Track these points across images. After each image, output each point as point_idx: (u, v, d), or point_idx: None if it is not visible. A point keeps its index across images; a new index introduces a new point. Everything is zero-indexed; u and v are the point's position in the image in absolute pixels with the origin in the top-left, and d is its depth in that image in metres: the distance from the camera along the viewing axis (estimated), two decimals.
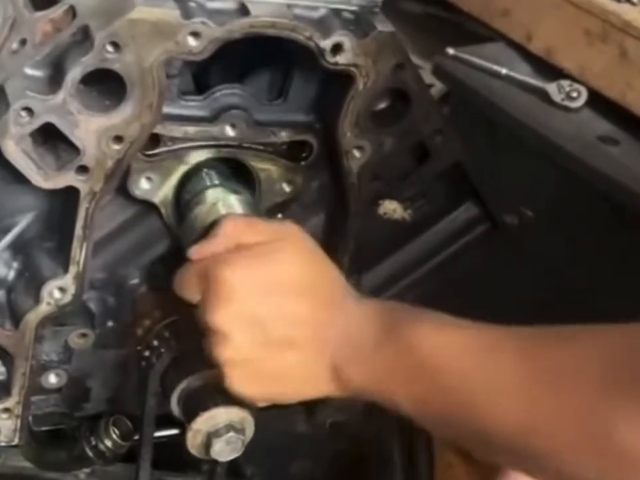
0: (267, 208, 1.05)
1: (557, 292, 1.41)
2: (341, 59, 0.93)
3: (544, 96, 1.43)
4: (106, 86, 0.88)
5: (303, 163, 1.04)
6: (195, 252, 0.90)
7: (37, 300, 0.97)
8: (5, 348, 0.99)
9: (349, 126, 0.98)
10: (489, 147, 1.45)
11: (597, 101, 1.40)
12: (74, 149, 0.89)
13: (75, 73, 0.85)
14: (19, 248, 0.98)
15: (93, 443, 1.12)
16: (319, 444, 1.43)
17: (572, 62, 1.42)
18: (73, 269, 0.96)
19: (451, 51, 1.51)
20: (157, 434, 1.05)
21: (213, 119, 0.98)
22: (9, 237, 0.98)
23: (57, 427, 1.12)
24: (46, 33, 0.87)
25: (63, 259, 0.96)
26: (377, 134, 1.00)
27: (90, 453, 1.12)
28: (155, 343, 1.03)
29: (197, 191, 0.99)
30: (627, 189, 1.28)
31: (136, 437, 1.09)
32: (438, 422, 0.82)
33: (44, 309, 0.97)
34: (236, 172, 1.03)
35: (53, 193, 0.93)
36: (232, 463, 1.08)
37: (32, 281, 0.98)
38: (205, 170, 1.00)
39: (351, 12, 0.95)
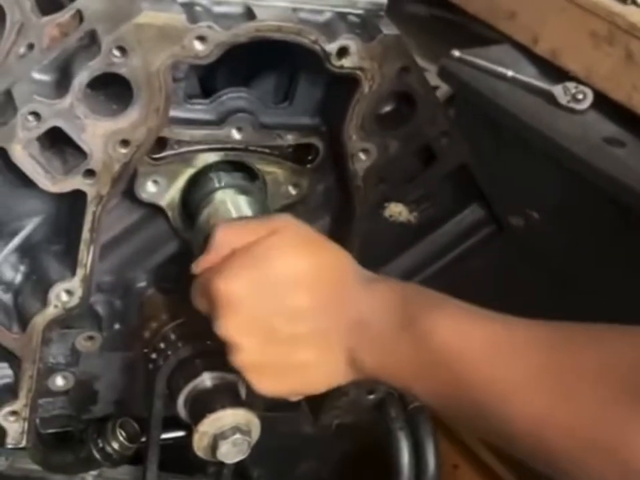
0: (273, 211, 1.05)
1: (562, 293, 1.41)
2: (347, 62, 0.93)
3: (550, 98, 1.43)
4: (113, 90, 0.88)
5: (308, 165, 1.04)
6: (196, 267, 0.91)
7: (45, 303, 0.97)
8: (12, 351, 0.99)
9: (354, 129, 0.98)
10: (495, 149, 1.45)
11: (603, 103, 1.41)
12: (81, 153, 0.89)
13: (82, 77, 0.85)
14: (26, 251, 0.99)
15: (100, 445, 1.12)
16: (325, 445, 1.44)
17: (578, 64, 1.42)
18: (80, 272, 0.96)
19: (456, 53, 1.52)
20: (164, 436, 1.06)
21: (219, 122, 0.98)
22: (17, 240, 0.98)
23: (64, 429, 1.13)
24: (53, 38, 0.87)
25: (70, 262, 0.97)
26: (382, 137, 1.01)
27: (97, 455, 1.13)
28: (162, 345, 1.04)
29: (206, 192, 0.99)
30: (633, 191, 1.29)
31: (143, 439, 1.10)
32: (452, 408, 0.82)
33: (51, 311, 0.97)
34: (243, 174, 1.03)
35: (60, 197, 0.93)
36: (238, 464, 1.08)
37: (39, 284, 0.98)
38: (214, 172, 1.00)
39: (357, 15, 0.95)
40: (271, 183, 1.03)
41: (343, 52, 0.92)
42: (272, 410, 1.14)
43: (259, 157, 1.01)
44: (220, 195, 0.99)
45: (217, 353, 0.96)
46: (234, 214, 0.98)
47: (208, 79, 1.01)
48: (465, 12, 1.65)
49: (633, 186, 1.28)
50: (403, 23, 1.05)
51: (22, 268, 0.99)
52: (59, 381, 1.06)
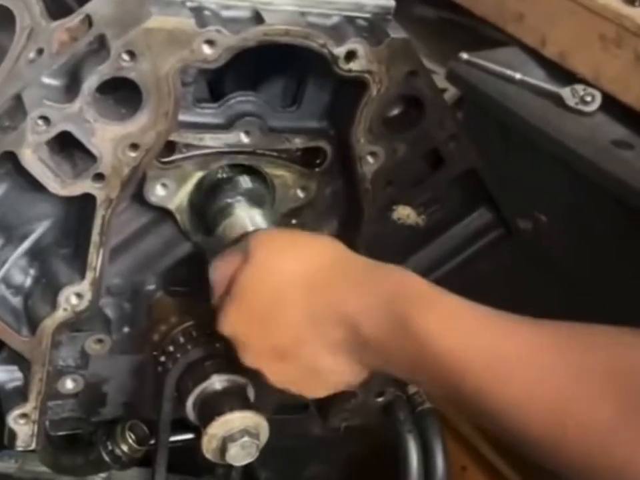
0: (282, 214, 1.05)
1: (571, 296, 1.41)
2: (355, 65, 0.93)
3: (558, 100, 1.43)
4: (122, 94, 0.88)
5: (317, 169, 1.04)
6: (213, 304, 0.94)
7: (54, 306, 0.97)
8: (22, 354, 1.00)
9: (362, 132, 0.98)
10: (503, 152, 1.45)
11: (611, 105, 1.40)
12: (90, 157, 0.90)
13: (91, 82, 0.86)
14: (36, 255, 0.99)
15: (109, 447, 1.13)
16: (333, 448, 1.44)
17: (586, 66, 1.42)
18: (89, 275, 0.97)
19: (464, 55, 1.52)
20: (173, 438, 1.06)
21: (227, 126, 0.98)
22: (26, 244, 0.99)
23: (74, 431, 1.13)
24: (62, 42, 0.88)
25: (79, 266, 0.97)
26: (390, 140, 1.01)
27: (106, 458, 1.13)
28: (171, 348, 1.04)
29: (222, 207, 1.00)
30: None
31: (152, 442, 1.10)
32: (452, 401, 0.83)
33: (61, 314, 0.98)
34: (252, 177, 1.03)
35: (69, 200, 0.94)
36: (246, 467, 1.08)
37: (49, 287, 0.99)
38: (226, 180, 1.01)
39: (364, 19, 0.95)
40: (279, 187, 1.04)
41: (350, 55, 0.93)
42: (280, 413, 1.14)
43: (267, 161, 1.02)
44: (236, 210, 1.00)
45: (225, 356, 0.97)
46: (250, 227, 0.99)
47: (216, 83, 1.01)
48: (472, 14, 1.65)
49: None
50: (411, 26, 1.05)
51: (31, 271, 1.00)
52: (69, 384, 1.06)
